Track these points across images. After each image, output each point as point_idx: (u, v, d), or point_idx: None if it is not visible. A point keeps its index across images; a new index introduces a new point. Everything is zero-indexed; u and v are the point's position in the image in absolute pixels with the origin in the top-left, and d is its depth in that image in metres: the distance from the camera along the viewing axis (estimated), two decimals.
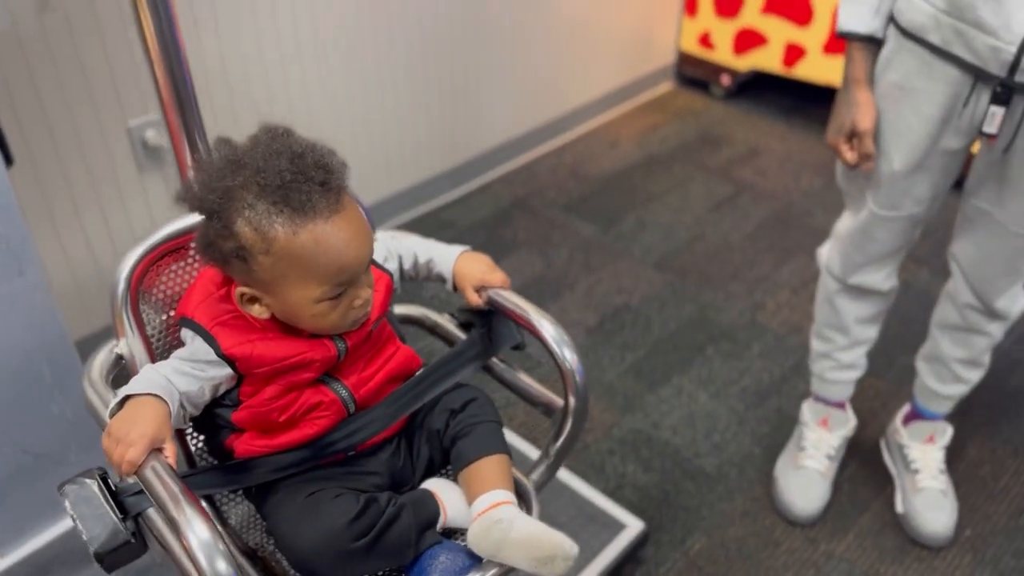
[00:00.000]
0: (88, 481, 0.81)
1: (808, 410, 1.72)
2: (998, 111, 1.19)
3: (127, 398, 0.85)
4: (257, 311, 0.90)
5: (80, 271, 1.82)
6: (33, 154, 1.66)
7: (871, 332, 1.60)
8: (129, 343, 0.98)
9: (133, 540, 0.81)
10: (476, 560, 0.94)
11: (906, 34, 1.23)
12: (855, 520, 1.65)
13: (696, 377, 1.96)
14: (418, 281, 1.11)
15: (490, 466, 0.97)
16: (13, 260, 1.25)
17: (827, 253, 1.56)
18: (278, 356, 0.91)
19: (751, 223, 2.48)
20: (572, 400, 1.03)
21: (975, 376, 1.58)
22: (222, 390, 0.93)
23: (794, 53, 2.78)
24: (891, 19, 1.26)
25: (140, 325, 0.98)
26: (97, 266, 1.84)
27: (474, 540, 0.92)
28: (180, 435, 1.03)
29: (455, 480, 1.01)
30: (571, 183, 2.65)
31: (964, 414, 1.79)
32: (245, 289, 0.89)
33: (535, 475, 1.07)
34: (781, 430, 1.82)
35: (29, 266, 1.28)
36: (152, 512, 0.82)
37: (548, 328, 1.01)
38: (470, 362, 1.07)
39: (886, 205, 1.37)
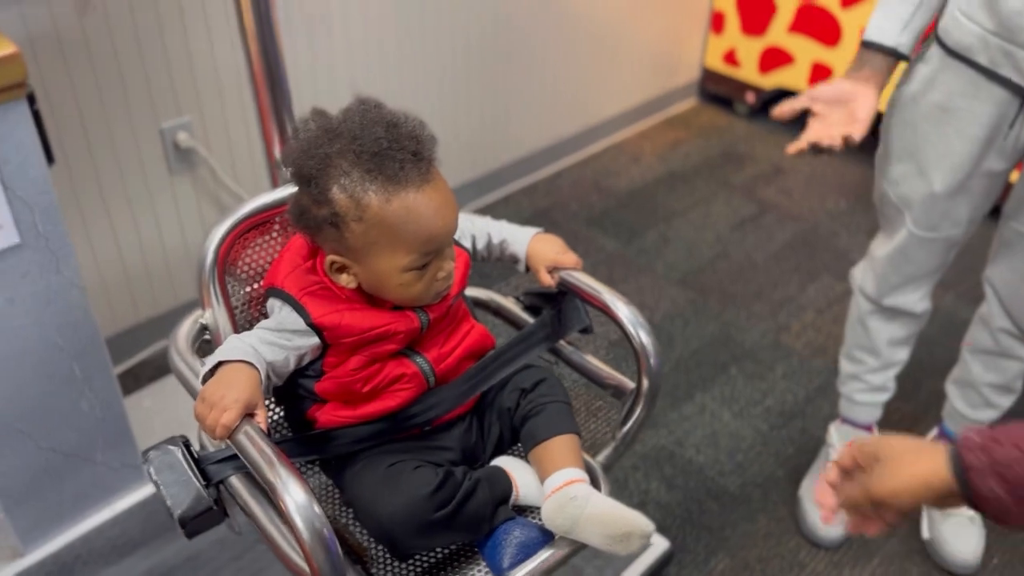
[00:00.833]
0: (172, 448, 0.83)
1: (835, 432, 1.70)
2: None
3: (219, 365, 0.86)
4: (345, 280, 0.92)
5: (107, 271, 1.82)
6: (67, 154, 1.66)
7: (902, 354, 1.59)
8: (215, 314, 0.99)
9: (215, 507, 0.82)
10: (549, 536, 0.94)
11: (952, 54, 1.22)
12: (880, 545, 1.64)
13: (719, 396, 1.95)
14: (490, 261, 1.12)
15: (561, 445, 0.98)
16: (51, 258, 1.26)
17: (860, 274, 1.55)
18: (365, 326, 0.92)
19: (775, 243, 2.48)
20: (645, 382, 1.02)
21: (1006, 402, 1.56)
22: (306, 360, 0.95)
23: (820, 73, 2.78)
24: (936, 38, 1.25)
25: (226, 296, 1.00)
26: (124, 266, 1.85)
27: (549, 516, 0.93)
28: None
29: (524, 459, 1.02)
30: (594, 196, 2.65)
31: None
32: (335, 257, 0.91)
33: (601, 457, 1.07)
34: (805, 451, 1.81)
35: (66, 264, 1.28)
36: (235, 480, 0.83)
37: (623, 309, 1.02)
38: (540, 343, 1.08)
39: (925, 226, 1.36)
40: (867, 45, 1.26)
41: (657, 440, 1.83)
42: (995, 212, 1.42)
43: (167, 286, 1.94)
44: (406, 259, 0.89)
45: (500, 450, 1.06)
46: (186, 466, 0.83)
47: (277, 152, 1.30)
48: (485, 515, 0.94)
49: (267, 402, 1.05)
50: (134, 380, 1.89)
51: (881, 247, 1.48)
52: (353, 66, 2.07)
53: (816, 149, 1.20)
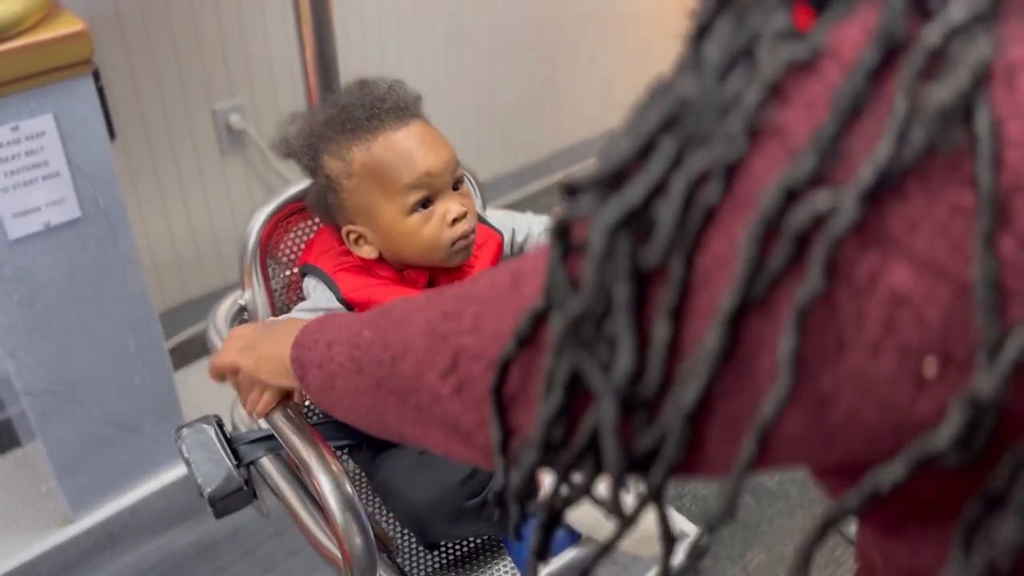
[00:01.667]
0: (205, 427, 0.83)
1: None
2: None
3: None
4: (367, 251, 0.94)
5: (157, 249, 1.85)
6: (123, 132, 1.69)
7: None
8: (255, 295, 1.01)
9: (245, 488, 0.82)
10: (575, 536, 0.94)
11: None
12: None
13: None
14: None
15: None
16: (110, 232, 1.29)
17: None
18: None
19: None
20: None
21: None
22: None
23: None
24: None
25: (266, 278, 1.02)
26: (174, 245, 1.88)
27: (575, 516, 0.93)
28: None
29: None
30: None
31: None
32: (350, 227, 0.94)
33: None
34: None
35: (123, 239, 1.31)
36: (266, 461, 0.84)
37: None
38: None
39: None
40: None
41: None
42: None
43: (215, 266, 1.96)
44: (402, 201, 0.90)
45: None
46: (218, 445, 0.82)
47: None
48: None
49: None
50: (180, 357, 1.92)
51: None
52: (403, 53, 2.08)
53: None
